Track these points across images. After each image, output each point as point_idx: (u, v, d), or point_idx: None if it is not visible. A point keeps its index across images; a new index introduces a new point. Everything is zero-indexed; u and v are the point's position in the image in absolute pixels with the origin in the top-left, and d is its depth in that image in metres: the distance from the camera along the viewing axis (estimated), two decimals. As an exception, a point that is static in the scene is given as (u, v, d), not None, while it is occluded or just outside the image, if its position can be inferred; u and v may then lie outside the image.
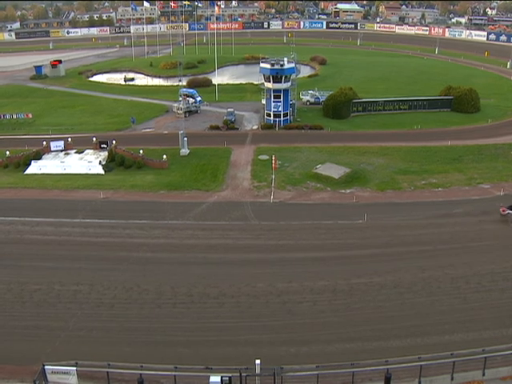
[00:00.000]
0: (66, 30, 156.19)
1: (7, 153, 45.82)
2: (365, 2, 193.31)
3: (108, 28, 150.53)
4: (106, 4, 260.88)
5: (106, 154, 44.41)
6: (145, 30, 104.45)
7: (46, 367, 21.33)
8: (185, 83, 66.90)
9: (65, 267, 29.23)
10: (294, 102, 55.80)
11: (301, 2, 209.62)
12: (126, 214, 34.42)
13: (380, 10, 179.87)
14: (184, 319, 24.62)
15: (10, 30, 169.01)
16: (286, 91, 52.57)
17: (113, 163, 43.11)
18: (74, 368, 21.20)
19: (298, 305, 25.58)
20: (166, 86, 74.09)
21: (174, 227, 32.91)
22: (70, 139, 47.74)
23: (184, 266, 28.91)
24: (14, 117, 58.93)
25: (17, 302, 26.55)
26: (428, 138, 50.22)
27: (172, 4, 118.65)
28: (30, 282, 28.04)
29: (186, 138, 45.76)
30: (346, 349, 22.73)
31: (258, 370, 20.29)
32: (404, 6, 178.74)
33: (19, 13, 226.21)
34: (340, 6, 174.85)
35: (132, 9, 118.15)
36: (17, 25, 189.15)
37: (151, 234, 32.22)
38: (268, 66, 51.76)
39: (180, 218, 33.88)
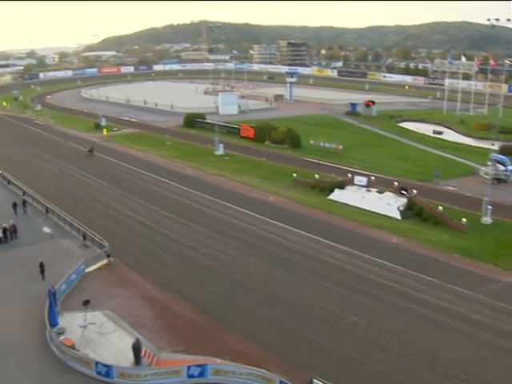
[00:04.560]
0: (382, 74, 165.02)
1: (316, 176, 51.03)
2: None
3: (422, 78, 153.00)
4: (423, 54, 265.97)
5: (405, 200, 45.11)
6: (459, 85, 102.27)
7: (314, 380, 22.73)
8: (497, 148, 63.17)
9: (347, 296, 30.78)
10: None
11: None
12: (415, 266, 34.21)
13: None
14: (456, 397, 23.15)
15: (333, 68, 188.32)
16: None
17: (410, 212, 43.52)
18: (337, 393, 22.00)
19: None
20: (476, 146, 71.15)
21: (462, 296, 31.22)
22: (372, 177, 50.19)
23: (464, 339, 27.10)
24: (327, 145, 65.26)
25: (302, 311, 29.16)
26: None
27: (491, 62, 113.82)
28: (315, 297, 30.48)
29: (490, 207, 43.10)
30: None
31: None
32: None
33: (343, 53, 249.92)
34: None
35: (449, 62, 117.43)
36: (340, 64, 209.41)
37: (436, 294, 31.26)
38: None
39: (470, 289, 31.94)
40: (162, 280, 32.65)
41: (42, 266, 32.47)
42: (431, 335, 27.29)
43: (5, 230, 38.62)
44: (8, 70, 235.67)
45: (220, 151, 65.59)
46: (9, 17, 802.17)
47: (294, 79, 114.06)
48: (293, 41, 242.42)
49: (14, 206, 44.57)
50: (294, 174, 52.17)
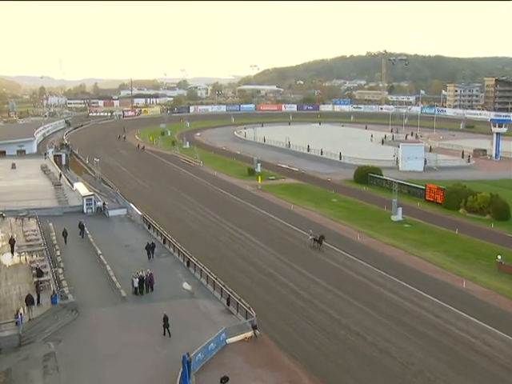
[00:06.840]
0: None
1: (498, 257, 49.43)
2: None
3: None
4: None
5: None
6: None
7: None
8: None
9: None
10: None
11: None
12: None
13: None
14: None
15: None
16: None
17: None
18: None
19: None
20: None
21: None
22: None
23: None
24: None
25: None
26: None
27: None
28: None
29: None
30: None
31: None
32: None
33: None
34: None
35: None
36: None
37: None
38: None
39: None
40: (317, 367, 32.96)
41: (165, 320, 35.24)
42: None
43: (141, 280, 42.22)
44: (157, 100, 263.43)
45: (398, 216, 65.25)
46: (162, 44, 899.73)
47: (503, 129, 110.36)
48: (504, 77, 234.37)
49: (148, 249, 49.82)
50: (499, 256, 49.79)
